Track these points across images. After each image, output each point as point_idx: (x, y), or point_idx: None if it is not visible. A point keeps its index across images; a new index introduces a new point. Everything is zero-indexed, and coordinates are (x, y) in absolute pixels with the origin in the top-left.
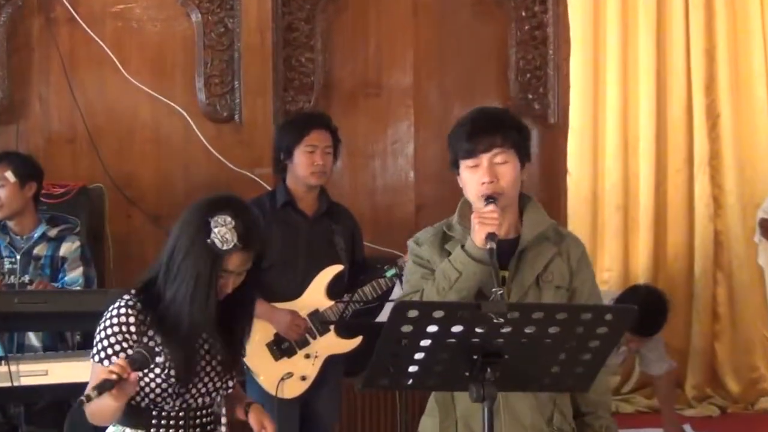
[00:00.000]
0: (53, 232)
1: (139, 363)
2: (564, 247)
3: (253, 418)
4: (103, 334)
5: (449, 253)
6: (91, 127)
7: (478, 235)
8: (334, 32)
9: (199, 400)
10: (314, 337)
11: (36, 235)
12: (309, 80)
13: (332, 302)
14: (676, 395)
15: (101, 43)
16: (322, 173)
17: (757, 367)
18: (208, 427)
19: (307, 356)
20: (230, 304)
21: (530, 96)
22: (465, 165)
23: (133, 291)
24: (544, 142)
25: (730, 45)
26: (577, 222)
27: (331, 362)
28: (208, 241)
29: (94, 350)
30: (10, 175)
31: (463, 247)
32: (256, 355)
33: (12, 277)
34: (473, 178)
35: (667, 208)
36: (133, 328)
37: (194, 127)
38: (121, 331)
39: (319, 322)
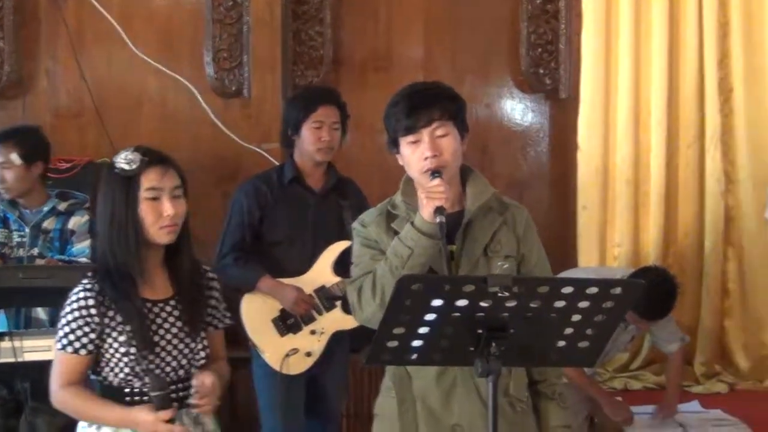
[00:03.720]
0: (63, 206)
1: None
2: (509, 216)
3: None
4: (64, 321)
5: (395, 232)
6: (98, 102)
7: (426, 210)
8: (344, 5)
9: (171, 374)
10: (320, 313)
11: (45, 209)
12: (318, 54)
13: (339, 278)
14: (684, 373)
15: (109, 16)
16: (328, 149)
17: (766, 344)
18: (185, 402)
19: (313, 332)
20: (174, 254)
21: (541, 70)
22: (405, 141)
23: (89, 274)
24: (554, 116)
25: (744, 19)
26: (587, 197)
27: (338, 338)
28: (116, 170)
29: (57, 337)
30: (15, 157)
31: (412, 223)
32: (262, 331)
33: (21, 250)
34: (415, 154)
35: (678, 183)
36: (93, 311)
37: (202, 101)
38: (82, 316)
39: (326, 298)
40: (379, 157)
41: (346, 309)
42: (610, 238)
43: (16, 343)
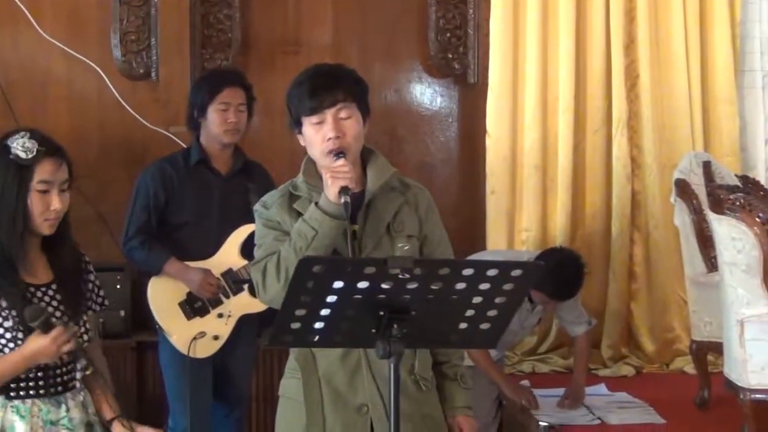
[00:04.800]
0: None
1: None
2: (411, 197)
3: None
4: None
5: (298, 213)
6: (4, 84)
7: (331, 190)
8: None
9: (56, 359)
10: (227, 297)
11: None
12: (227, 37)
13: (246, 261)
14: (590, 355)
15: None
16: (235, 131)
17: (672, 328)
18: (70, 384)
19: (220, 315)
20: (54, 241)
21: (450, 56)
22: (309, 122)
23: None
24: (463, 102)
25: (650, 6)
26: (496, 182)
27: (245, 322)
28: (11, 156)
29: None
30: None
31: (317, 204)
32: (169, 314)
33: None
34: (318, 134)
35: (585, 168)
36: None
37: (109, 84)
38: None
39: (233, 282)
40: (289, 142)
41: (254, 292)
42: (519, 223)
43: None
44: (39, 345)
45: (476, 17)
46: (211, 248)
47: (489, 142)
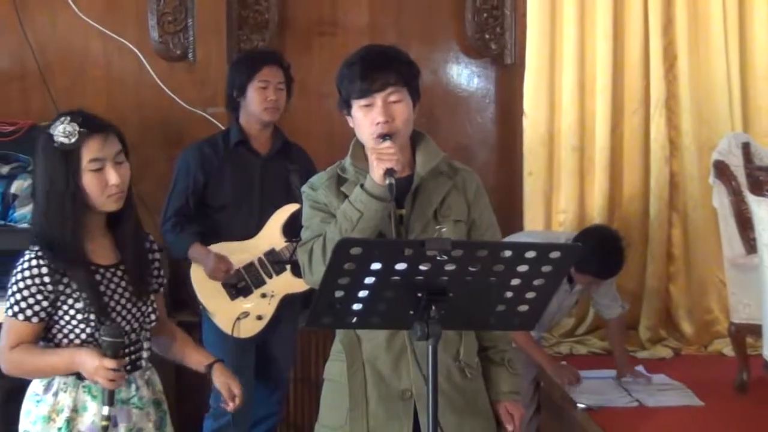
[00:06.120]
0: (5, 170)
1: (113, 348)
2: (459, 181)
3: (220, 381)
4: (16, 288)
5: (345, 195)
6: (42, 65)
7: (376, 172)
8: None
9: (124, 339)
10: (270, 277)
11: None
12: (263, 18)
13: (288, 242)
14: (626, 338)
15: None
16: (275, 109)
17: (711, 309)
18: (138, 363)
19: (264, 296)
20: (119, 220)
21: (487, 36)
22: (358, 105)
23: (35, 240)
24: (500, 82)
25: None
26: (533, 163)
27: (288, 302)
28: (55, 144)
29: (8, 304)
30: None
31: (362, 186)
32: (212, 294)
33: None
34: (367, 117)
35: (623, 149)
36: (47, 279)
37: (147, 65)
38: (35, 284)
39: (275, 262)
40: (326, 123)
41: (296, 272)
42: (556, 204)
43: None
44: (87, 362)
45: None
46: (252, 228)
47: (526, 122)
